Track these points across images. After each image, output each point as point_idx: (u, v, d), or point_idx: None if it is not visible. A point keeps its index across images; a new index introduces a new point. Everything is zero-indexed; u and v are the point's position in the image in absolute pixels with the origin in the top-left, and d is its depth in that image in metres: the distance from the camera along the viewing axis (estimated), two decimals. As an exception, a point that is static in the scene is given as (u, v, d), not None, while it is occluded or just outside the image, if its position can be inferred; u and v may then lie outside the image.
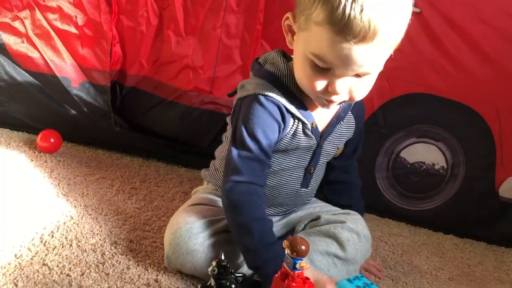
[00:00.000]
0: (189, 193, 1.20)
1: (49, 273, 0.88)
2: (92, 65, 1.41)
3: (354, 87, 0.85)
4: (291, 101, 0.92)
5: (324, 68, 0.82)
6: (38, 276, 0.86)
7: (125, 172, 1.36)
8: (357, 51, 0.78)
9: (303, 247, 0.68)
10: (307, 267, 0.69)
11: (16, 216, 1.04)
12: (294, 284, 0.69)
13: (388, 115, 1.32)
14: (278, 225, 1.06)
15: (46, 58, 1.40)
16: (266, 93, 0.90)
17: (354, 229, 0.97)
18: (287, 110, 0.91)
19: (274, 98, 0.90)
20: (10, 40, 1.40)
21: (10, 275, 0.85)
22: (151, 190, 1.29)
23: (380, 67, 0.85)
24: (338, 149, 1.03)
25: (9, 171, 1.24)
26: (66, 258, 0.93)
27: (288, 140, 0.94)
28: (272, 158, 0.95)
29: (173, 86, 1.40)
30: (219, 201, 1.02)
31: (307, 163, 0.99)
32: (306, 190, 1.03)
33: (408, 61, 1.25)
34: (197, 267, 0.89)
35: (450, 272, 1.16)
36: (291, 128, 0.94)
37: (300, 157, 0.98)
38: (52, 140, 1.37)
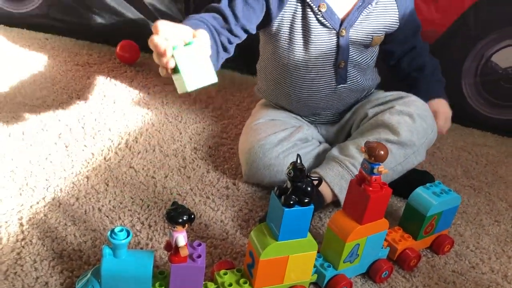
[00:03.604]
0: (263, 102, 1.20)
1: (136, 175, 0.94)
2: (165, -27, 1.39)
3: None
4: None
5: None
6: (126, 177, 0.93)
7: (201, 82, 1.38)
8: None
9: (382, 152, 0.66)
10: (385, 172, 0.68)
11: (102, 123, 1.10)
12: (371, 188, 0.68)
13: (481, 14, 1.19)
14: (331, 131, 1.04)
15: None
16: None
17: (404, 110, 0.90)
18: None
19: None
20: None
21: (101, 175, 0.92)
22: (226, 99, 1.31)
23: None
24: (373, 39, 0.94)
25: (93, 81, 1.30)
26: (150, 162, 0.99)
27: (301, 29, 0.90)
28: (295, 56, 0.92)
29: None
30: (281, 114, 1.02)
31: (333, 58, 0.93)
32: (345, 85, 0.97)
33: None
34: (275, 180, 0.90)
35: (539, 184, 1.10)
36: (293, 10, 0.89)
37: (322, 51, 0.92)
38: (131, 50, 1.41)
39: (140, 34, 1.44)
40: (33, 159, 0.94)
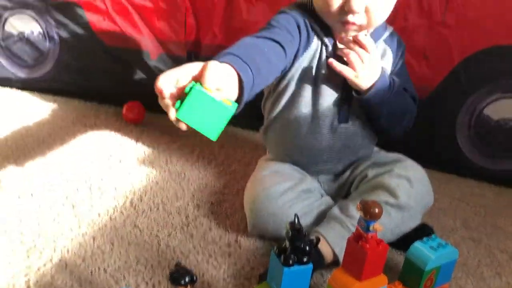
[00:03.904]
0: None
1: (140, 234, 0.96)
2: (168, 37, 1.47)
3: (371, 6, 0.86)
4: (316, 21, 0.94)
5: None
6: (130, 236, 0.95)
7: (205, 139, 1.42)
8: None
9: (376, 210, 0.69)
10: (380, 229, 0.70)
11: (108, 183, 1.14)
12: (368, 245, 0.70)
13: (471, 69, 1.25)
14: (333, 187, 1.07)
15: (126, 33, 1.48)
16: (292, 9, 0.94)
17: (403, 174, 0.94)
18: (312, 27, 0.94)
19: (299, 13, 0.93)
20: (94, 18, 1.50)
21: (107, 235, 0.95)
22: (228, 155, 1.35)
23: None
24: None
25: (100, 141, 1.35)
26: (154, 220, 1.01)
27: (315, 67, 0.95)
28: (305, 93, 0.97)
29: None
30: (285, 166, 1.05)
31: (338, 97, 0.97)
32: (346, 125, 1.00)
33: (493, 10, 1.17)
34: (278, 231, 0.92)
35: (539, 234, 1.11)
36: (315, 49, 0.94)
37: (330, 89, 0.96)
38: (136, 111, 1.47)
39: (145, 95, 1.51)
40: (41, 221, 0.97)
